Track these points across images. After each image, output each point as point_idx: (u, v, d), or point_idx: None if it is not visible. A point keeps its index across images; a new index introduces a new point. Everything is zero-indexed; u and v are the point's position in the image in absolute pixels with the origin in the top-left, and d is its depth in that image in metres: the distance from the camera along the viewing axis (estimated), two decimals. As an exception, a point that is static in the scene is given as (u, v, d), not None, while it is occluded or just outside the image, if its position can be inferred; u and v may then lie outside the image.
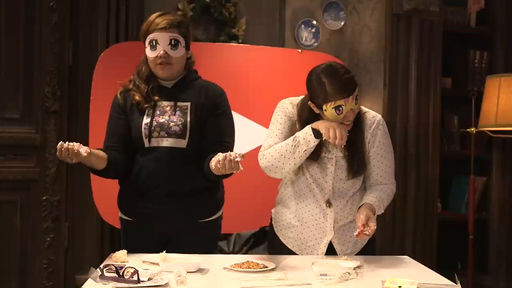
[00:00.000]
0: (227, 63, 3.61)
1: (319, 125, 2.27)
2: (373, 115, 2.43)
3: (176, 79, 2.51)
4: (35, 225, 3.63)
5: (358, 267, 2.16)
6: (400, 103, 3.97)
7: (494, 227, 4.22)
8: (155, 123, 2.43)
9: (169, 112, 2.45)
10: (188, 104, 2.47)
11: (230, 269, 2.09)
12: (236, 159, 2.11)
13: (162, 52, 2.41)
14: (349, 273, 2.01)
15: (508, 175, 4.21)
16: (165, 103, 2.47)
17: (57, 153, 2.21)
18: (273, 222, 2.53)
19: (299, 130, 2.33)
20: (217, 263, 2.18)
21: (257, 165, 2.38)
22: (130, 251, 2.26)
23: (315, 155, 2.35)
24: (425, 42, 3.99)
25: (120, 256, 2.16)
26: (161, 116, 2.44)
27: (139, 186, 2.46)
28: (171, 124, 2.43)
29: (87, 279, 1.91)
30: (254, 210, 3.39)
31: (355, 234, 2.21)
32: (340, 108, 2.24)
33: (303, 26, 3.96)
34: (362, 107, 2.44)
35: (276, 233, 2.50)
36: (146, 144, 2.44)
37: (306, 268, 2.12)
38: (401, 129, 3.96)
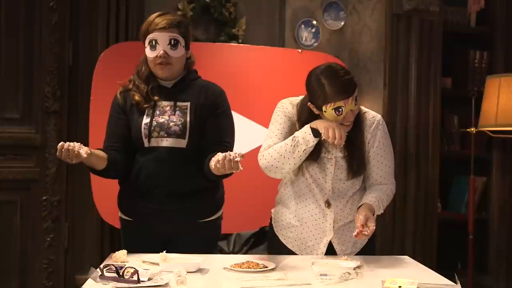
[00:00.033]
0: (227, 63, 3.61)
1: (318, 124, 2.28)
2: (372, 115, 2.43)
3: (176, 79, 2.51)
4: (35, 225, 3.63)
5: (358, 267, 2.16)
6: (400, 103, 3.97)
7: (494, 227, 4.22)
8: (155, 123, 2.43)
9: (168, 112, 2.45)
10: (188, 104, 2.47)
11: (230, 269, 2.09)
12: (236, 159, 2.11)
13: (161, 52, 2.41)
14: (349, 273, 2.01)
15: (508, 175, 4.21)
16: (164, 103, 2.47)
17: (57, 153, 2.21)
18: (272, 222, 2.53)
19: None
20: (217, 263, 2.18)
21: (257, 165, 2.38)
22: (130, 251, 2.26)
23: (315, 155, 2.35)
24: (425, 42, 3.99)
25: (120, 256, 2.16)
26: (160, 116, 2.44)
27: (139, 186, 2.46)
28: (171, 124, 2.43)
29: (87, 279, 1.91)
30: (254, 210, 3.39)
31: (354, 234, 2.22)
32: (340, 109, 2.24)
33: (303, 26, 3.96)
34: (362, 107, 2.44)
35: (276, 233, 2.50)
36: (146, 144, 2.44)
37: (306, 268, 2.12)
38: (401, 129, 3.96)
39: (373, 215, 2.30)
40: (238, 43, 3.84)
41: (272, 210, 2.56)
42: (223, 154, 2.15)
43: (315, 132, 2.27)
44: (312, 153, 2.33)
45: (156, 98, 2.47)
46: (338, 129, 2.24)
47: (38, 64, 3.62)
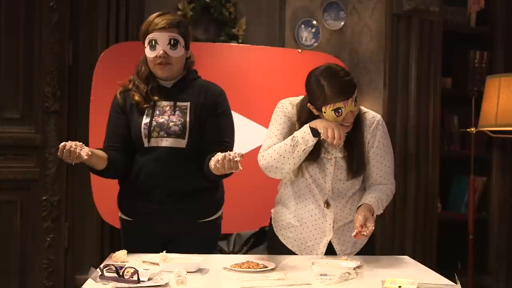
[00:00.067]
0: (227, 63, 3.61)
1: (318, 124, 2.27)
2: (372, 115, 2.42)
3: (176, 79, 2.51)
4: (35, 225, 3.63)
5: (358, 267, 2.16)
6: (400, 103, 3.97)
7: (494, 227, 4.22)
8: (155, 123, 2.43)
9: (168, 112, 2.45)
10: (188, 104, 2.47)
11: (230, 269, 2.09)
12: (236, 159, 2.11)
13: (161, 52, 2.41)
14: (349, 273, 2.01)
15: (508, 175, 4.21)
16: (164, 103, 2.47)
17: (59, 153, 2.21)
18: (272, 222, 2.53)
19: (299, 131, 2.33)
20: (217, 263, 2.18)
21: (257, 165, 2.38)
22: (130, 251, 2.26)
23: (315, 155, 2.35)
24: (425, 42, 3.99)
25: (120, 256, 2.16)
26: (160, 116, 2.44)
27: (139, 186, 2.46)
28: (171, 124, 2.43)
29: (87, 279, 1.91)
30: (254, 210, 3.39)
31: (353, 234, 2.22)
32: (340, 110, 2.24)
33: (303, 26, 3.96)
34: (362, 107, 2.44)
35: (276, 233, 2.50)
36: (146, 144, 2.44)
37: (306, 268, 2.12)
38: (401, 129, 3.96)
39: (373, 215, 2.30)
40: (238, 43, 3.84)
41: (272, 210, 2.56)
42: (223, 154, 2.15)
43: (315, 132, 2.27)
44: (312, 153, 2.33)
45: (156, 98, 2.47)
46: (338, 129, 2.24)
47: (38, 64, 3.62)
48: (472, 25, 4.24)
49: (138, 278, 1.86)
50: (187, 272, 1.93)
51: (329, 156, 2.37)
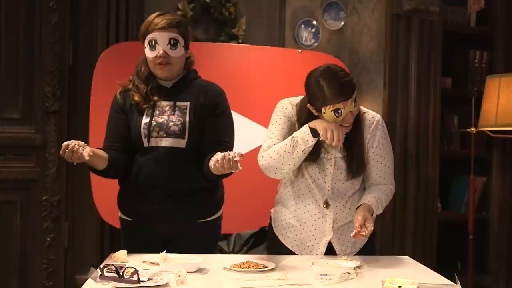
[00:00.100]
0: (227, 63, 3.61)
1: (317, 124, 2.27)
2: (372, 115, 2.42)
3: (176, 79, 2.51)
4: (35, 225, 3.63)
5: (358, 267, 2.16)
6: (400, 103, 3.97)
7: (494, 227, 4.22)
8: (154, 123, 2.43)
9: (168, 112, 2.45)
10: (187, 104, 2.47)
11: (230, 269, 2.09)
12: (235, 159, 2.11)
13: (161, 52, 2.41)
14: (349, 273, 2.01)
15: (508, 175, 4.21)
16: (164, 103, 2.47)
17: (61, 152, 2.21)
18: (272, 222, 2.53)
19: (298, 131, 2.33)
20: (217, 263, 2.18)
21: (257, 165, 2.38)
22: (130, 251, 2.26)
23: (314, 156, 2.35)
24: (425, 42, 3.99)
25: (120, 256, 2.17)
26: (160, 116, 2.44)
27: (139, 186, 2.46)
28: (170, 124, 2.43)
29: (87, 279, 1.91)
30: (254, 210, 3.39)
31: (352, 234, 2.22)
32: (339, 111, 2.24)
33: (303, 26, 3.96)
34: (361, 107, 2.44)
35: (276, 233, 2.50)
36: (145, 144, 2.44)
37: (306, 268, 2.12)
38: (401, 129, 3.96)
39: (372, 215, 2.30)
40: (238, 43, 3.84)
41: (272, 210, 2.56)
42: (222, 153, 2.15)
43: (314, 132, 2.27)
44: (312, 153, 2.33)
45: (155, 98, 2.47)
46: (337, 130, 2.24)
47: (38, 64, 3.62)
48: (472, 25, 4.24)
49: (138, 278, 1.86)
50: (187, 272, 1.93)
51: (328, 156, 2.37)
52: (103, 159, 2.40)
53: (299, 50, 3.74)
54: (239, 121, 3.13)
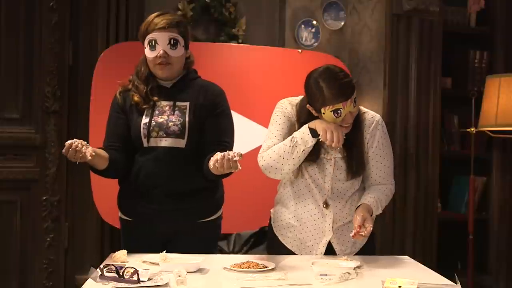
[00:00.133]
0: (227, 63, 3.61)
1: (317, 125, 2.27)
2: (372, 115, 2.42)
3: (175, 79, 2.51)
4: (35, 225, 3.63)
5: (358, 267, 2.16)
6: (400, 103, 3.97)
7: (494, 227, 4.22)
8: (154, 123, 2.43)
9: (168, 112, 2.45)
10: (187, 104, 2.47)
11: (230, 269, 2.09)
12: (235, 158, 2.11)
13: (161, 52, 2.41)
14: (349, 273, 2.01)
15: (508, 175, 4.21)
16: (164, 103, 2.47)
17: (64, 151, 2.21)
18: (272, 222, 2.53)
19: (298, 131, 2.33)
20: (217, 263, 2.18)
21: (257, 165, 2.38)
22: (130, 251, 2.26)
23: (314, 156, 2.35)
24: (425, 42, 3.99)
25: (120, 256, 2.17)
26: (160, 116, 2.44)
27: (139, 186, 2.46)
28: (170, 124, 2.43)
29: (87, 279, 1.91)
30: (254, 210, 3.39)
31: (351, 235, 2.22)
32: (339, 111, 2.24)
33: (303, 26, 3.96)
34: (361, 107, 2.44)
35: (275, 233, 2.50)
36: (145, 144, 2.44)
37: (306, 268, 2.12)
38: (401, 129, 3.96)
39: (371, 215, 2.30)
40: (238, 43, 3.84)
41: (272, 210, 2.56)
42: (222, 153, 2.15)
43: (314, 133, 2.27)
44: (311, 153, 2.33)
45: (155, 98, 2.47)
46: (336, 131, 2.24)
47: (38, 64, 3.62)
48: (472, 25, 4.24)
49: (138, 278, 1.86)
50: (187, 272, 1.93)
51: (328, 157, 2.37)
52: (104, 158, 2.40)
53: (299, 50, 3.74)
54: (239, 121, 3.13)
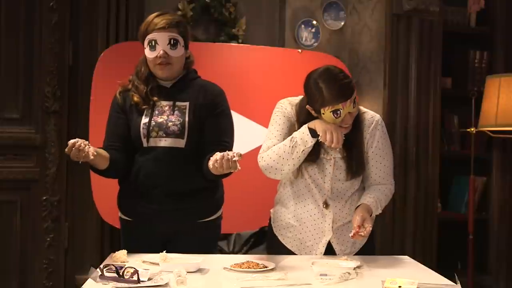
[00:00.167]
0: (227, 63, 3.61)
1: (316, 125, 2.27)
2: (371, 115, 2.42)
3: (175, 78, 2.51)
4: (35, 225, 3.63)
5: (358, 267, 2.16)
6: (400, 103, 3.97)
7: (494, 227, 4.22)
8: (154, 123, 2.43)
9: (167, 112, 2.45)
10: (187, 104, 2.47)
11: (230, 269, 2.09)
12: (234, 159, 2.12)
13: (161, 52, 2.41)
14: (349, 273, 2.01)
15: (508, 175, 4.21)
16: (163, 102, 2.47)
17: (66, 150, 2.20)
18: (271, 222, 2.54)
19: (298, 131, 2.33)
20: (217, 263, 2.18)
21: (257, 165, 2.38)
22: (130, 251, 2.26)
23: (314, 156, 2.35)
24: (425, 42, 3.98)
25: (120, 256, 2.17)
26: (159, 116, 2.44)
27: (138, 186, 2.46)
28: (170, 124, 2.43)
29: (87, 279, 1.91)
30: (254, 210, 3.39)
31: (350, 235, 2.22)
32: (338, 112, 2.24)
33: (303, 26, 3.96)
34: (361, 107, 2.44)
35: (275, 232, 2.50)
36: (145, 144, 2.44)
37: (306, 268, 2.13)
38: (401, 129, 3.96)
39: (371, 215, 2.30)
40: (238, 43, 3.85)
41: (271, 210, 2.56)
42: (221, 153, 2.15)
43: (313, 133, 2.27)
44: (311, 153, 2.33)
45: (155, 98, 2.47)
46: (336, 132, 2.24)
47: (38, 64, 3.62)
48: (472, 25, 4.24)
49: (138, 278, 1.86)
50: (187, 272, 1.93)
51: (328, 157, 2.37)
52: (105, 158, 2.40)
53: (299, 50, 3.74)
54: (239, 121, 3.13)
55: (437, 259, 3.97)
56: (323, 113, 2.25)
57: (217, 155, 2.16)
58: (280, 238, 2.48)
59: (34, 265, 3.63)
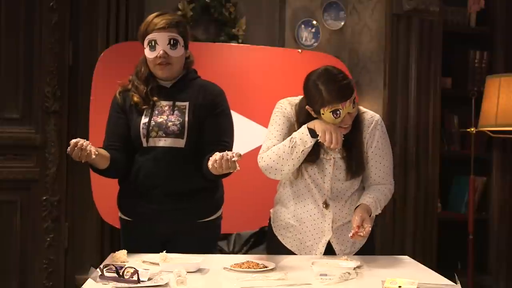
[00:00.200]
0: (227, 63, 3.61)
1: (316, 125, 2.27)
2: (371, 115, 2.42)
3: (175, 78, 2.51)
4: (35, 225, 3.63)
5: (358, 267, 2.16)
6: (400, 103, 3.97)
7: (494, 227, 4.22)
8: (153, 123, 2.43)
9: (167, 111, 2.45)
10: (187, 104, 2.47)
11: (230, 269, 2.09)
12: (233, 159, 2.12)
13: (161, 52, 2.41)
14: (349, 273, 2.01)
15: (508, 175, 4.21)
16: (163, 102, 2.47)
17: (69, 149, 2.20)
18: (271, 222, 2.54)
19: (298, 131, 2.33)
20: (217, 263, 2.18)
21: (257, 165, 2.38)
22: (130, 251, 2.26)
23: (314, 157, 2.35)
24: (425, 42, 3.98)
25: (120, 256, 2.17)
26: (159, 116, 2.44)
27: (138, 186, 2.46)
28: (169, 123, 2.43)
29: (87, 279, 1.91)
30: (254, 210, 3.39)
31: (349, 235, 2.22)
32: (338, 112, 2.24)
33: (303, 26, 3.96)
34: (360, 107, 2.44)
35: (275, 232, 2.50)
36: (144, 144, 2.44)
37: (306, 268, 2.13)
38: (401, 129, 3.96)
39: (370, 216, 2.30)
40: (238, 43, 3.85)
41: (271, 210, 2.56)
42: (221, 153, 2.15)
43: (313, 133, 2.27)
44: (311, 154, 2.32)
45: (155, 98, 2.47)
46: (335, 132, 2.24)
47: (38, 64, 3.62)
48: (472, 25, 4.24)
49: (138, 278, 1.86)
50: (187, 272, 1.93)
51: (328, 157, 2.37)
52: (105, 158, 2.40)
53: (299, 50, 3.74)
54: (239, 121, 3.13)
55: (437, 259, 3.97)
56: (323, 113, 2.25)
57: (217, 155, 2.16)
58: (280, 238, 2.48)
59: (34, 265, 3.63)
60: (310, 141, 2.27)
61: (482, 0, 4.19)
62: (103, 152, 2.40)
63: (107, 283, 1.87)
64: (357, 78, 3.99)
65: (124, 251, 2.20)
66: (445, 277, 2.07)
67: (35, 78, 3.62)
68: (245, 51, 3.70)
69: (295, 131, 2.33)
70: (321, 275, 1.98)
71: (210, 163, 2.22)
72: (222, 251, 3.40)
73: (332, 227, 2.40)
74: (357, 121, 2.37)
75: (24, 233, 3.62)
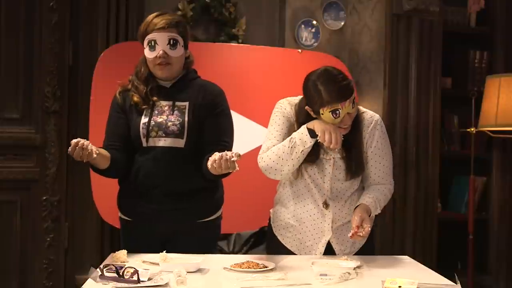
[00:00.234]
0: (227, 63, 3.61)
1: (315, 125, 2.27)
2: (371, 115, 2.42)
3: (175, 78, 2.51)
4: (35, 225, 3.63)
5: (358, 267, 2.16)
6: (400, 103, 3.97)
7: (494, 227, 4.22)
8: (153, 123, 2.43)
9: (167, 111, 2.45)
10: (186, 103, 2.47)
11: (230, 269, 2.09)
12: (232, 159, 2.12)
13: (161, 52, 2.41)
14: (349, 273, 2.01)
15: (508, 175, 4.21)
16: (163, 102, 2.47)
17: (70, 149, 2.20)
18: (271, 222, 2.54)
19: (297, 132, 2.33)
20: (217, 263, 2.18)
21: (257, 165, 2.38)
22: (130, 251, 2.26)
23: (314, 157, 2.34)
24: (425, 42, 3.98)
25: (120, 256, 2.17)
26: (159, 116, 2.44)
27: (138, 186, 2.46)
28: (169, 123, 2.43)
29: (87, 279, 1.91)
30: (254, 210, 3.39)
31: (349, 235, 2.22)
32: (337, 112, 2.24)
33: (303, 26, 3.96)
34: (360, 107, 2.44)
35: (275, 232, 2.50)
36: (144, 144, 2.44)
37: (306, 268, 2.13)
38: (401, 129, 3.96)
39: (370, 216, 2.30)
40: (238, 43, 3.85)
41: (271, 210, 2.56)
42: (220, 153, 2.15)
43: (312, 133, 2.26)
44: (311, 154, 2.32)
45: (154, 98, 2.47)
46: (335, 132, 2.24)
47: (38, 64, 3.62)
48: (472, 25, 4.24)
49: (138, 278, 1.86)
50: (187, 272, 1.93)
51: (327, 157, 2.37)
52: (106, 158, 2.40)
53: (299, 50, 3.74)
54: (239, 121, 3.13)
55: (437, 259, 3.97)
56: (322, 113, 2.25)
57: (216, 155, 2.16)
58: (279, 238, 2.48)
59: (34, 265, 3.63)
60: (309, 141, 2.27)
61: (482, 0, 4.19)
62: (104, 152, 2.40)
63: (107, 283, 1.87)
64: (357, 78, 3.99)
65: (124, 251, 2.20)
66: (445, 277, 2.07)
67: (35, 78, 3.62)
68: (245, 51, 3.70)
69: (295, 131, 2.33)
70: (321, 275, 1.98)
71: (209, 163, 2.22)
72: (222, 251, 3.40)
73: (332, 227, 2.40)
74: (357, 121, 2.37)
75: (24, 233, 3.62)
